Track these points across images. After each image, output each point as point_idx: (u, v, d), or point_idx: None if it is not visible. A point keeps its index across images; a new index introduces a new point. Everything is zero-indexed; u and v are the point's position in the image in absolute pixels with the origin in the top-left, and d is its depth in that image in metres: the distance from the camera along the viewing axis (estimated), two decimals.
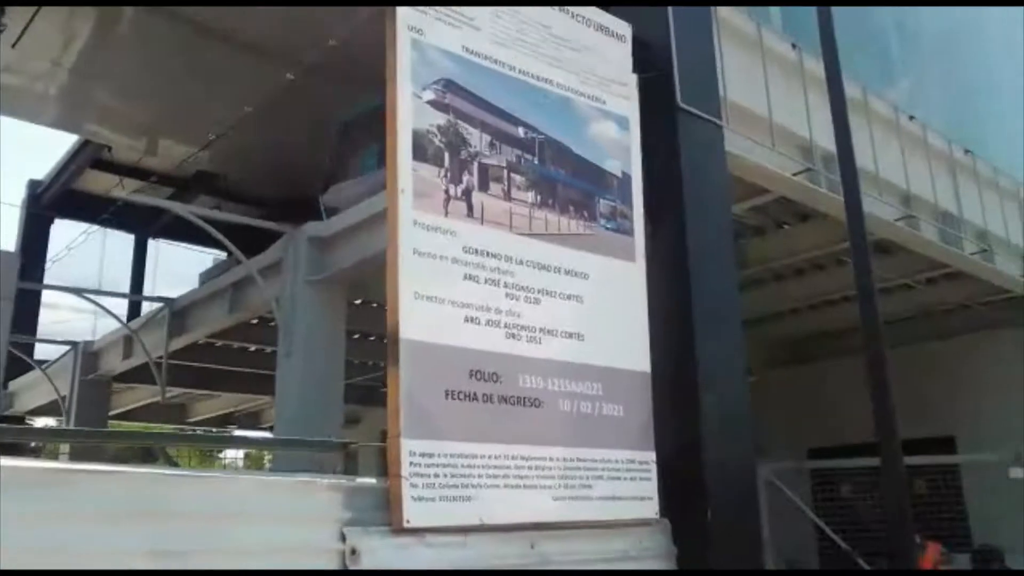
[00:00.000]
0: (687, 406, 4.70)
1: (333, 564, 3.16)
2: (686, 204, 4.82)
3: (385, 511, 3.36)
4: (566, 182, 4.37)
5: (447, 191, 3.80)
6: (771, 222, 7.87)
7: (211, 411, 15.34)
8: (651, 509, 4.38)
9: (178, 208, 7.35)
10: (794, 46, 6.43)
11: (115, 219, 14.93)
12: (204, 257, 13.05)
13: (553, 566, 3.86)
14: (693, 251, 4.79)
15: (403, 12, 3.77)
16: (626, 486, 4.27)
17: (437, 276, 3.67)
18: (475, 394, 3.69)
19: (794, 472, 9.38)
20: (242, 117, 9.22)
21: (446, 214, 3.77)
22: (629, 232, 4.63)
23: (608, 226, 4.52)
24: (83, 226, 15.12)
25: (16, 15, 8.24)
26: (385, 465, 3.45)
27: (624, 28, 4.89)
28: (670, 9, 5.15)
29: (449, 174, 3.83)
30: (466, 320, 3.75)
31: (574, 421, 4.09)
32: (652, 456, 4.45)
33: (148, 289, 15.20)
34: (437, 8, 3.94)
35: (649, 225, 4.72)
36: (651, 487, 4.41)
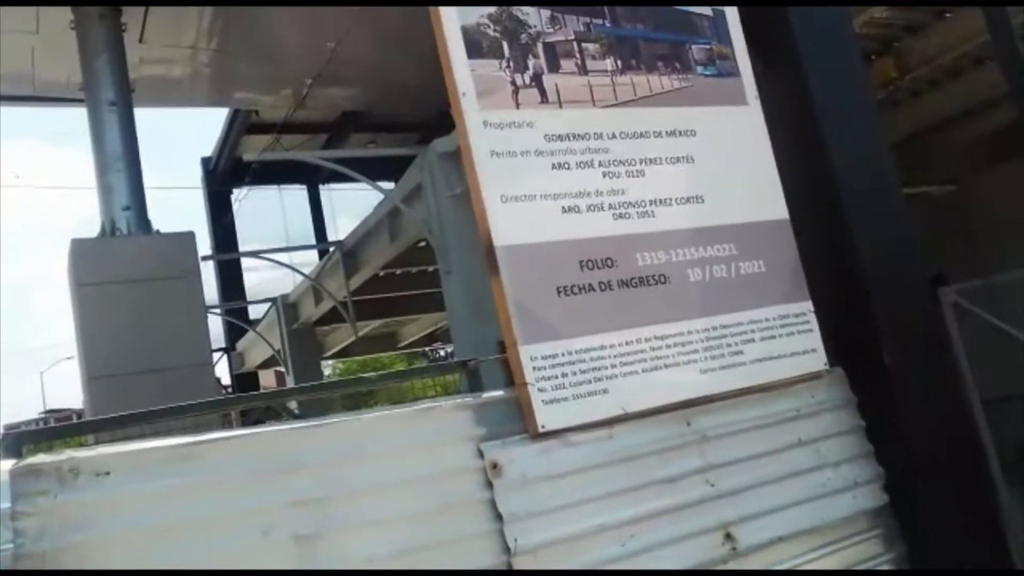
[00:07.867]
0: (837, 244, 4.29)
1: (475, 483, 3.16)
2: (794, 24, 4.28)
3: (519, 421, 3.31)
4: (648, 37, 3.99)
5: (513, 82, 3.56)
6: (928, 16, 6.92)
7: (416, 333, 16.11)
8: (818, 361, 4.10)
9: (302, 156, 7.53)
10: None
11: (286, 175, 15.72)
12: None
13: (714, 440, 3.70)
14: (813, 74, 4.26)
15: None
16: (783, 343, 4.00)
17: (521, 173, 3.49)
18: (589, 285, 3.52)
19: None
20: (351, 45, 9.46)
21: (517, 106, 3.54)
22: (735, 73, 4.20)
23: (707, 72, 4.11)
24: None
25: (131, 13, 8.64)
26: (511, 376, 3.39)
27: None
28: None
29: (512, 63, 3.59)
30: (564, 211, 3.56)
31: (709, 288, 3.85)
32: (808, 306, 4.14)
33: (333, 231, 15.97)
34: None
35: (758, 59, 4.26)
36: (814, 338, 4.11)
